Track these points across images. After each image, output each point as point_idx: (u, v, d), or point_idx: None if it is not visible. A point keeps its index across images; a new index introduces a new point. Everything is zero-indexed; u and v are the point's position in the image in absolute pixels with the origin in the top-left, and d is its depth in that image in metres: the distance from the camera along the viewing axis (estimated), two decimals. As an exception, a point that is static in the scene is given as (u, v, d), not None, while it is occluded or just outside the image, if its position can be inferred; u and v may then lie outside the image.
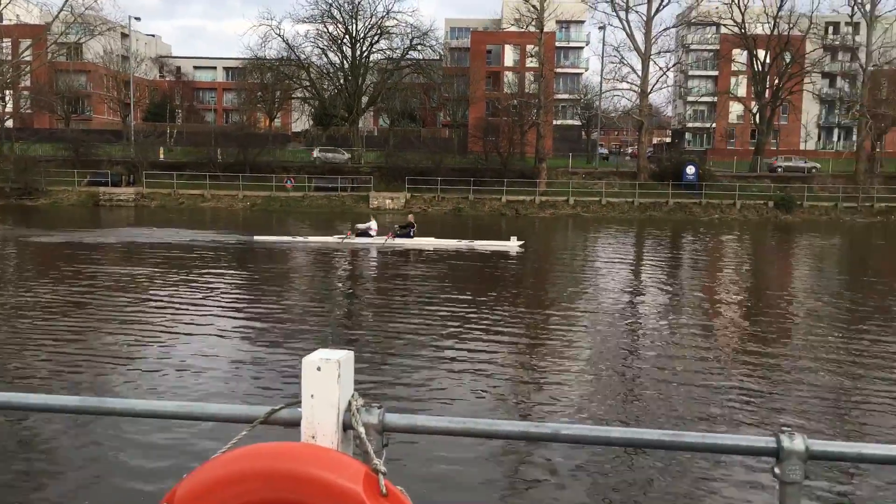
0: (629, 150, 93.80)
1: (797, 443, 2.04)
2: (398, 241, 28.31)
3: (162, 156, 59.09)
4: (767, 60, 61.24)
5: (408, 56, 64.93)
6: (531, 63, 65.89)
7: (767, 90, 62.15)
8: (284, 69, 66.19)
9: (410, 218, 30.32)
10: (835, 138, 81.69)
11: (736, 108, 79.26)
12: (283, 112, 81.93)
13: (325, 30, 63.73)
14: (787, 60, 60.43)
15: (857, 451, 2.23)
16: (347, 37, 63.62)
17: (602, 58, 62.12)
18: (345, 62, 64.53)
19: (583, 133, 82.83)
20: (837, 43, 73.16)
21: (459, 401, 9.93)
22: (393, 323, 14.93)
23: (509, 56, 79.67)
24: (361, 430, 2.01)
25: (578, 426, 2.26)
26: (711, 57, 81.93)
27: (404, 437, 6.97)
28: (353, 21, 62.97)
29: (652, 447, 2.20)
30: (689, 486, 7.46)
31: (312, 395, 2.06)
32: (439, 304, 17.02)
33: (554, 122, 72.59)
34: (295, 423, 2.12)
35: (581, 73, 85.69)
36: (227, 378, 10.67)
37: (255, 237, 30.07)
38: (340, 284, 21.24)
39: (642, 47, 56.82)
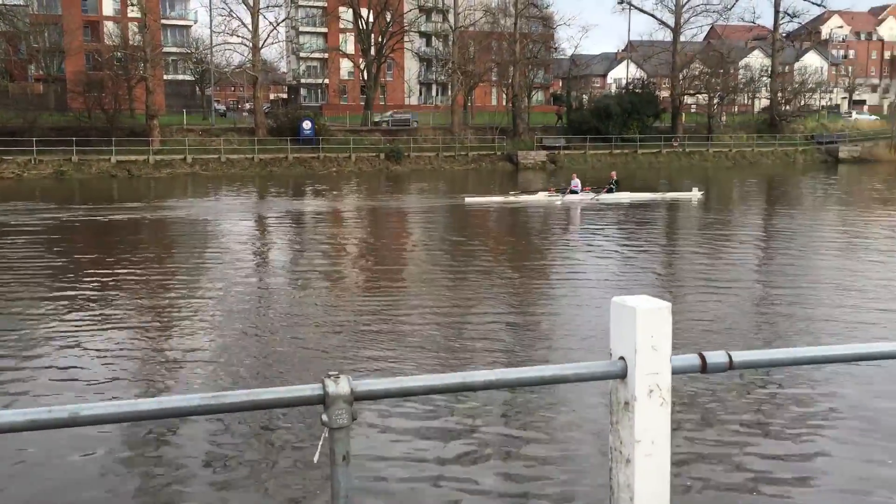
0: (246, 105, 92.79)
1: (342, 386, 2.01)
2: (604, 196, 30.87)
3: None
4: (371, 19, 64.46)
5: (-18, 0, 56.56)
6: (133, 13, 61.36)
7: (373, 47, 65.55)
8: None
9: (613, 175, 33.20)
10: (434, 94, 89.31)
11: (346, 65, 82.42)
12: None
13: None
14: (388, 19, 64.23)
15: (400, 386, 2.32)
16: None
17: (210, 10, 60.15)
18: None
19: (197, 89, 79.92)
20: (430, 5, 79.43)
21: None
22: None
23: (108, 4, 73.41)
24: None
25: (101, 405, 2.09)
26: (320, 14, 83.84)
27: None
28: None
29: (191, 414, 2.10)
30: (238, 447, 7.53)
31: None
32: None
33: (165, 77, 68.94)
34: None
35: (190, 26, 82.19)
36: None
37: (467, 199, 31.32)
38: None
39: (251, 1, 56.22)
